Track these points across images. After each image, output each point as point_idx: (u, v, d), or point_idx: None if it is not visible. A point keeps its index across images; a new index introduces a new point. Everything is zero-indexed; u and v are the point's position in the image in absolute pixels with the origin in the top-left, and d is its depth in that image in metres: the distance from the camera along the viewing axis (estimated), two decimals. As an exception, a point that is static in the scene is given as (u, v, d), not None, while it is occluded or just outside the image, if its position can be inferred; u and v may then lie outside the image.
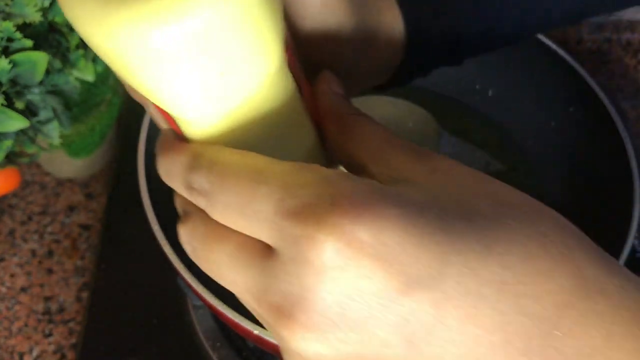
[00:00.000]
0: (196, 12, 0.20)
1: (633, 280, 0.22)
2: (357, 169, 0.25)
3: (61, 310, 0.59)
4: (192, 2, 0.20)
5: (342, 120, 0.26)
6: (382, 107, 0.53)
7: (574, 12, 0.40)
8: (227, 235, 0.22)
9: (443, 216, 0.21)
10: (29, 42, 0.46)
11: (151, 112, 0.26)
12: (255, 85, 0.23)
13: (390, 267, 0.20)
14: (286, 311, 0.20)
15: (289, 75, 0.25)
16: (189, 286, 0.43)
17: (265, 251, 0.21)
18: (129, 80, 0.23)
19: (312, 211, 0.20)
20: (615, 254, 0.47)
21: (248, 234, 0.22)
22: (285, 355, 0.22)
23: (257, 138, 0.24)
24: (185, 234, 0.24)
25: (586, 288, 0.21)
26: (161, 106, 0.23)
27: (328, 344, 0.20)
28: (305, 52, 0.29)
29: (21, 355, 0.57)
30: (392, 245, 0.20)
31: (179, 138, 0.25)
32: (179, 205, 0.25)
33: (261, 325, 0.41)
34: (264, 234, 0.21)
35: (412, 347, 0.20)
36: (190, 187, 0.23)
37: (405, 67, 0.36)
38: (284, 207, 0.21)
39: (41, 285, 0.60)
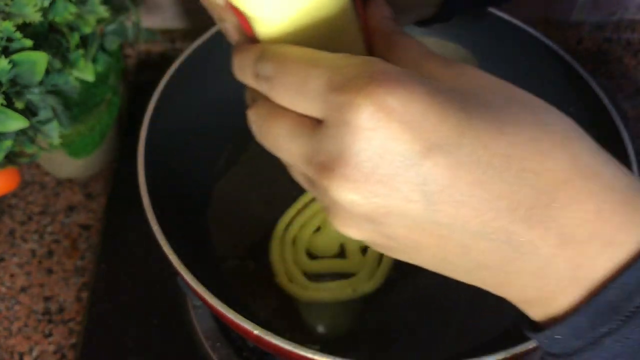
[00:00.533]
0: None
1: (626, 173, 0.26)
2: None
3: (61, 310, 0.59)
4: None
5: (387, 37, 0.30)
6: (431, 47, 0.56)
7: None
8: (285, 113, 0.27)
9: (463, 101, 0.25)
10: (29, 42, 0.46)
11: (225, 27, 0.31)
12: None
13: (414, 132, 0.23)
14: (329, 167, 0.25)
15: None
16: (189, 286, 0.43)
17: (316, 124, 0.26)
18: None
19: (354, 83, 0.24)
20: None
21: (301, 111, 0.26)
22: (328, 210, 0.27)
23: (316, 42, 0.28)
24: (252, 115, 0.29)
25: (582, 171, 0.25)
26: (240, 6, 0.28)
27: (361, 194, 0.24)
28: None
29: (21, 355, 0.57)
30: (417, 115, 0.24)
31: (251, 41, 0.30)
32: (248, 95, 0.30)
33: (263, 321, 0.41)
34: (315, 109, 0.25)
35: (430, 204, 0.24)
36: (256, 75, 0.28)
37: (448, 4, 0.40)
38: (331, 83, 0.25)
39: (41, 285, 0.60)
